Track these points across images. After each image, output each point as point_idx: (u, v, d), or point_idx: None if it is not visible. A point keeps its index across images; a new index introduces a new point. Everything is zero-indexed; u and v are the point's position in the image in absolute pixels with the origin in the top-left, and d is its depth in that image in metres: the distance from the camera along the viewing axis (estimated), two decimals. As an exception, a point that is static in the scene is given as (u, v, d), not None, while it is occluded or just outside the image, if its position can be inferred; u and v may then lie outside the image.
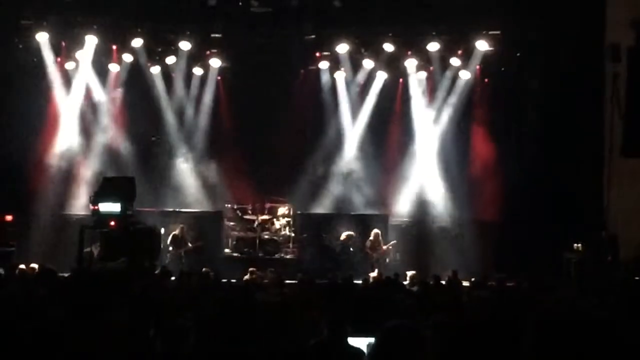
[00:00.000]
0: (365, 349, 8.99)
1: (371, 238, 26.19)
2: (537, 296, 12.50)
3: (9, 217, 26.34)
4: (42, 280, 15.14)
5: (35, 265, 21.04)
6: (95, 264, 19.82)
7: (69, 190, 26.95)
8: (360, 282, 19.70)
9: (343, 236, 26.54)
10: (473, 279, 19.75)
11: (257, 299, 11.66)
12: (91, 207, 19.44)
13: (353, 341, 9.12)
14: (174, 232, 25.97)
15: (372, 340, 8.25)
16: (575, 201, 24.83)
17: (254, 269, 21.74)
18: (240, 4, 26.23)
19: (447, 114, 27.99)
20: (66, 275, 16.65)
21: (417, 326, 6.05)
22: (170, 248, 25.68)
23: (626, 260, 21.41)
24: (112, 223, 18.80)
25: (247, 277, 20.57)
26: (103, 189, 17.97)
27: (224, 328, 9.05)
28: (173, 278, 18.72)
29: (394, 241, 26.50)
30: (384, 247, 26.16)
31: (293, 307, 11.10)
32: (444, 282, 19.00)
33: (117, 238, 18.90)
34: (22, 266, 20.27)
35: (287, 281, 18.70)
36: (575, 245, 23.52)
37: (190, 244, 26.11)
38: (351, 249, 26.43)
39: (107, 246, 20.12)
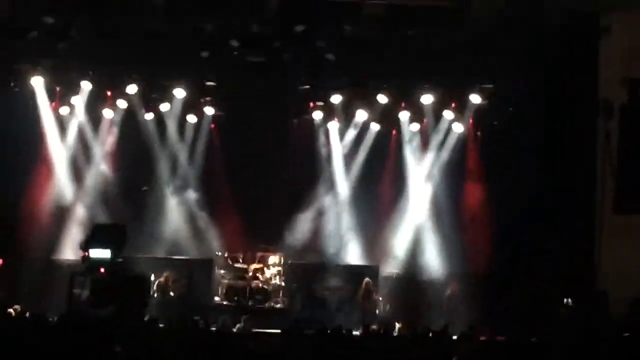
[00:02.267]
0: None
1: (362, 287, 26.12)
2: (528, 351, 12.50)
3: (-1, 262, 26.26)
4: (33, 326, 15.12)
5: (18, 307, 21.06)
6: (84, 310, 19.76)
7: (60, 236, 26.90)
8: (350, 332, 19.60)
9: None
10: (462, 332, 19.69)
11: (247, 348, 11.64)
12: (81, 253, 19.37)
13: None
14: (158, 280, 25.89)
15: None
16: (566, 257, 24.82)
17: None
18: (235, 53, 26.27)
19: (439, 166, 28.04)
20: (54, 319, 16.66)
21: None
22: (156, 295, 25.57)
23: (616, 317, 21.36)
24: (102, 270, 18.73)
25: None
26: (93, 235, 17.88)
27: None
28: (162, 325, 18.68)
29: (385, 290, 26.53)
30: (375, 297, 26.10)
31: (282, 357, 11.09)
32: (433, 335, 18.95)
33: (106, 285, 18.81)
34: (11, 310, 20.23)
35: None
36: (566, 300, 23.49)
37: (174, 292, 26.06)
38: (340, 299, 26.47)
39: (96, 293, 20.04)
